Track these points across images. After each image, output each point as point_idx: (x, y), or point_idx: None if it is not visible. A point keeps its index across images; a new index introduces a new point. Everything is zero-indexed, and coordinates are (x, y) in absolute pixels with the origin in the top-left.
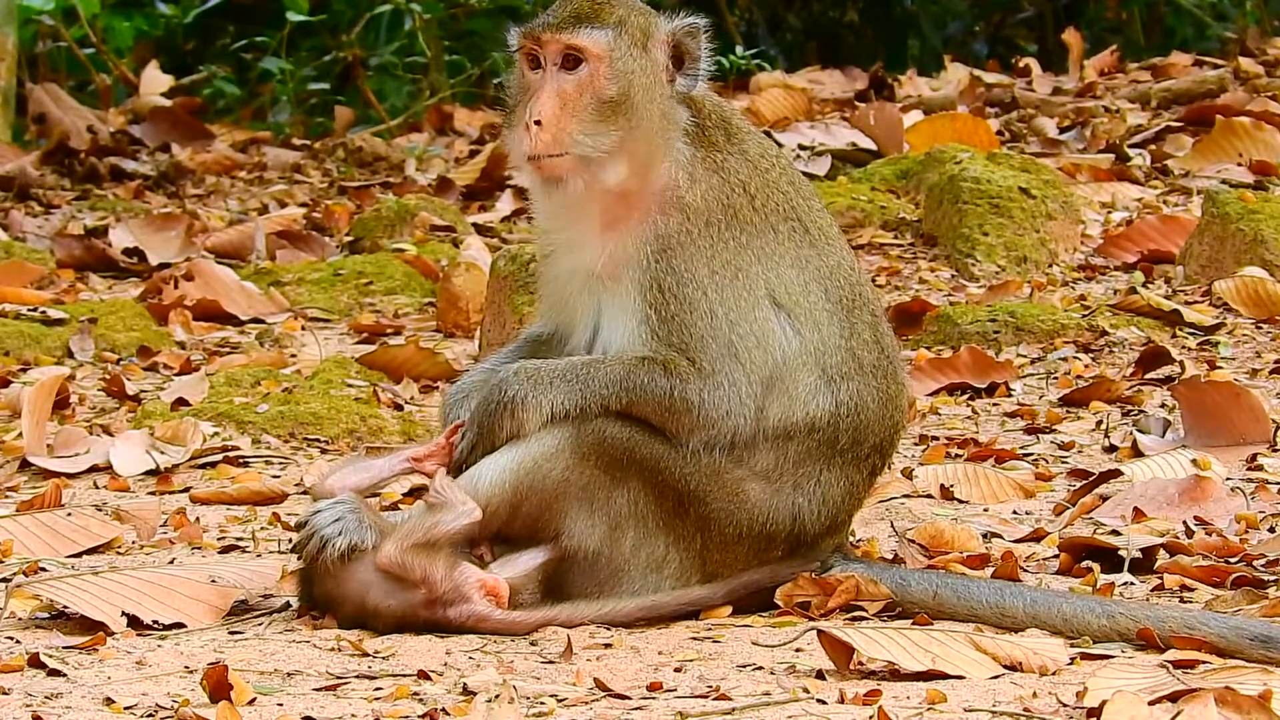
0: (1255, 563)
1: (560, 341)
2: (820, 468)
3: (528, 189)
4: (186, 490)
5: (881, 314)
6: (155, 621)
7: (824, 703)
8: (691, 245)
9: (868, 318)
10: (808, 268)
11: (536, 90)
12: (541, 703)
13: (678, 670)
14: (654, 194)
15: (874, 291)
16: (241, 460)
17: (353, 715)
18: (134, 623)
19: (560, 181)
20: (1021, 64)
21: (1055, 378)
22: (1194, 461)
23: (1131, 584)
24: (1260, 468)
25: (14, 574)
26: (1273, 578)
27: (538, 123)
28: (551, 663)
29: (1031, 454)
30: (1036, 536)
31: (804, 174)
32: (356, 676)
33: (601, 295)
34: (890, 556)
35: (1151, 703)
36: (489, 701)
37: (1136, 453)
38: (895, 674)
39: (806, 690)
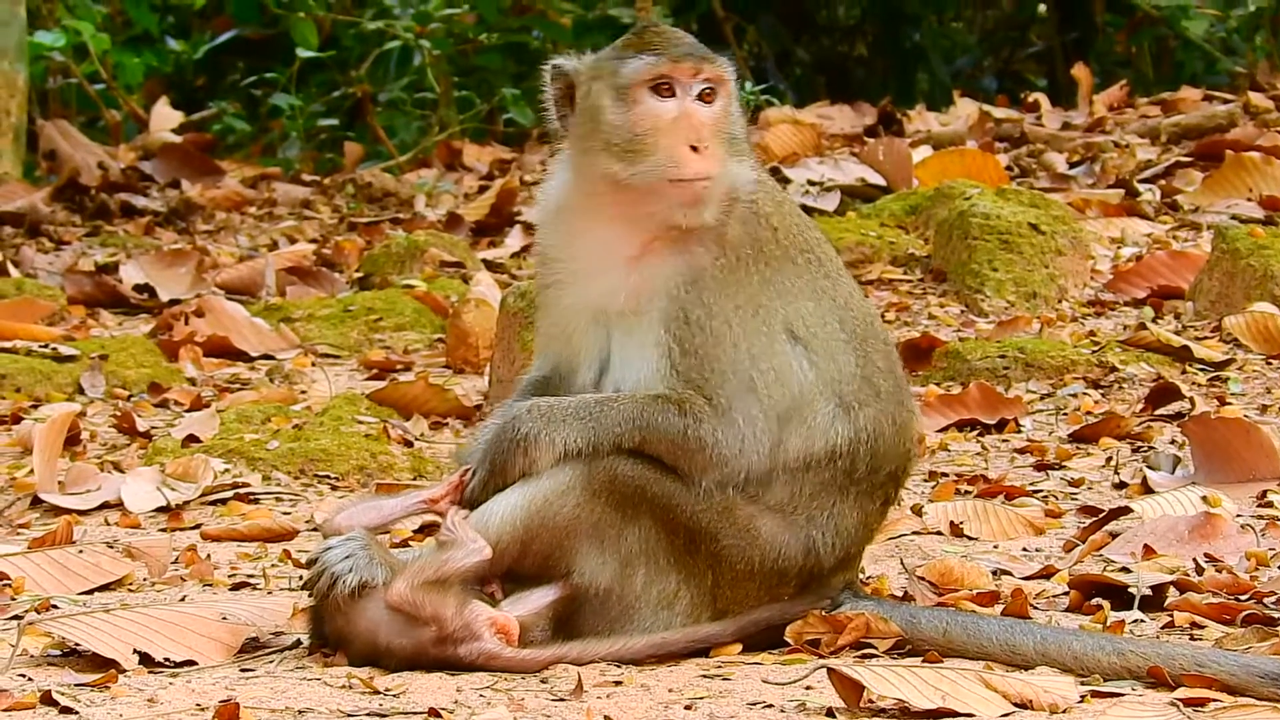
0: (1265, 600)
1: (561, 382)
2: (835, 499)
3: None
4: (197, 527)
5: (891, 343)
6: (167, 659)
7: None
8: (724, 279)
9: (880, 346)
10: (824, 299)
11: (683, 117)
12: None
13: (688, 708)
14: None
15: (881, 322)
16: (252, 497)
17: None
18: (145, 660)
19: (700, 206)
20: (1031, 99)
21: (1065, 414)
22: (1204, 498)
23: (1142, 621)
24: (1270, 504)
25: (26, 611)
26: None
27: (696, 148)
28: (562, 700)
29: (1041, 490)
30: (1046, 573)
31: (813, 209)
32: (367, 714)
33: (612, 328)
34: (900, 594)
35: None
36: None
37: (1146, 489)
38: (905, 712)
39: None
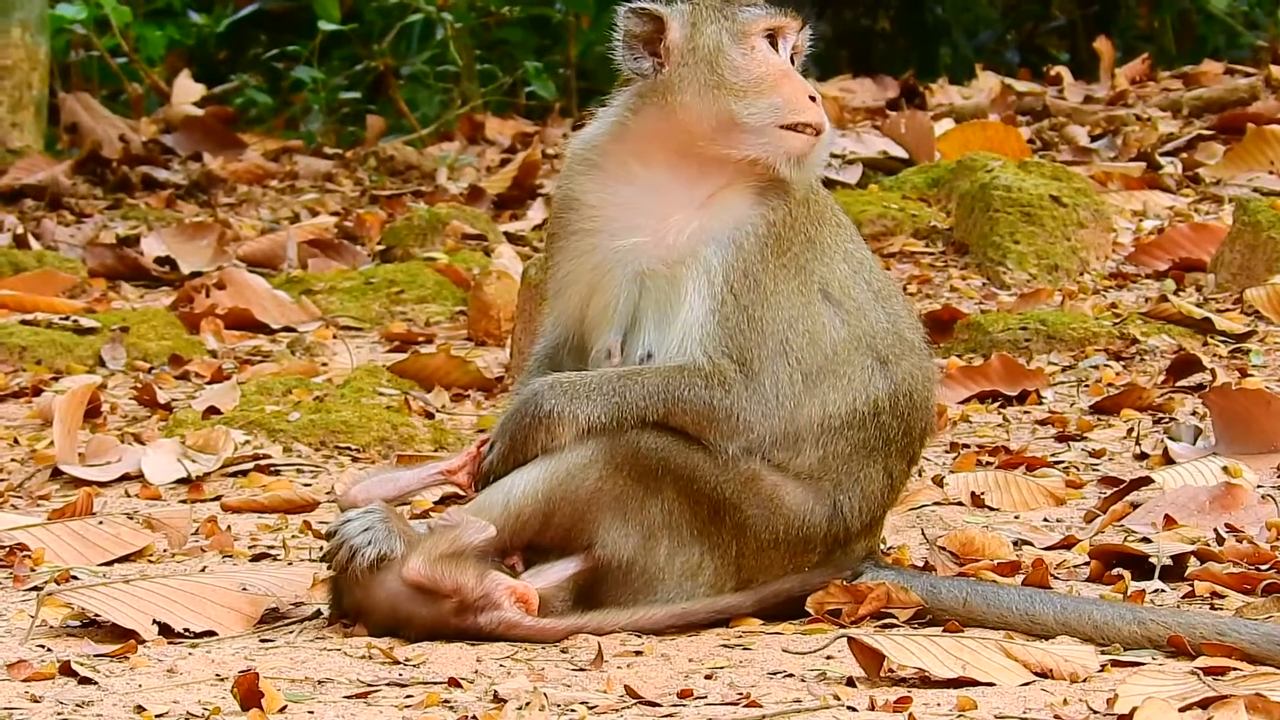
0: None
1: (576, 349)
2: (864, 461)
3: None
4: (218, 498)
5: (910, 302)
6: (186, 629)
7: (855, 710)
8: (783, 236)
9: (901, 303)
10: (852, 259)
11: (789, 71)
12: (572, 710)
13: (708, 677)
14: (773, 178)
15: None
16: (273, 468)
17: None
18: (165, 630)
19: (807, 158)
20: (1053, 72)
21: (1086, 385)
22: (1225, 469)
23: (1162, 591)
24: None
25: (45, 582)
26: None
27: (813, 98)
28: (582, 670)
29: (1062, 461)
30: (1067, 544)
31: (836, 182)
32: (387, 684)
33: (647, 283)
34: (921, 564)
35: (1182, 709)
36: (520, 709)
37: (1167, 460)
38: (926, 681)
39: (837, 697)
